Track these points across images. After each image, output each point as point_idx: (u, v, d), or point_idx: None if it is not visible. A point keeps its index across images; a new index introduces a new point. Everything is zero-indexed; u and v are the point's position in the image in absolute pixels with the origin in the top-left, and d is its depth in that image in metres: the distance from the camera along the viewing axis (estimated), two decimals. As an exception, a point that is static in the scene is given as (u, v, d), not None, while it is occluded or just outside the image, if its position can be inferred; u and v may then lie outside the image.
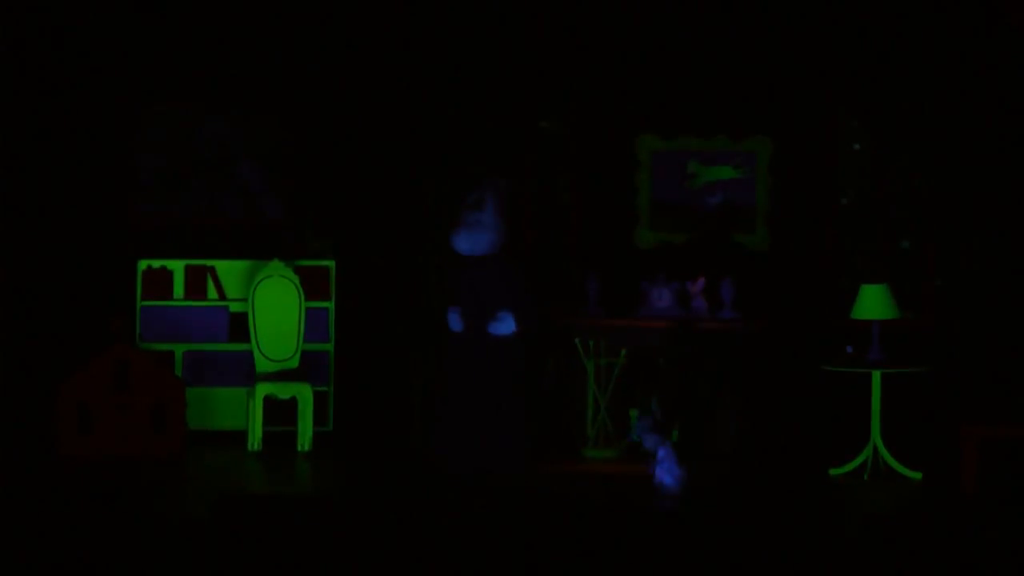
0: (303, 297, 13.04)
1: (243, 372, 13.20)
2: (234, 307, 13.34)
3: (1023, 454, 11.59)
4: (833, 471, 11.75)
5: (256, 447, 12.62)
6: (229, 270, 13.41)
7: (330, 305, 13.38)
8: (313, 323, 13.28)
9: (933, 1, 12.98)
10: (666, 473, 11.20)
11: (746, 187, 13.27)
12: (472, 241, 11.76)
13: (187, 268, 13.34)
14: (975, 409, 12.28)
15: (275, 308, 13.06)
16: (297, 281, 13.05)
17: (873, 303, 11.89)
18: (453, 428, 11.58)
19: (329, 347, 13.36)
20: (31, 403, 12.81)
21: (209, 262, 13.40)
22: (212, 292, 13.36)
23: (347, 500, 10.33)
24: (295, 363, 12.99)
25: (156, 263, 13.27)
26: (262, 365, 12.94)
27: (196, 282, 13.39)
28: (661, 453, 11.28)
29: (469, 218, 11.78)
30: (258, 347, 12.96)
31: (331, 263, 13.44)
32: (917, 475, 11.68)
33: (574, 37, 13.36)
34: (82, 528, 8.84)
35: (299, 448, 12.62)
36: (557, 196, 13.52)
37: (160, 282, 13.28)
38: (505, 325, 11.56)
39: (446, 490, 10.96)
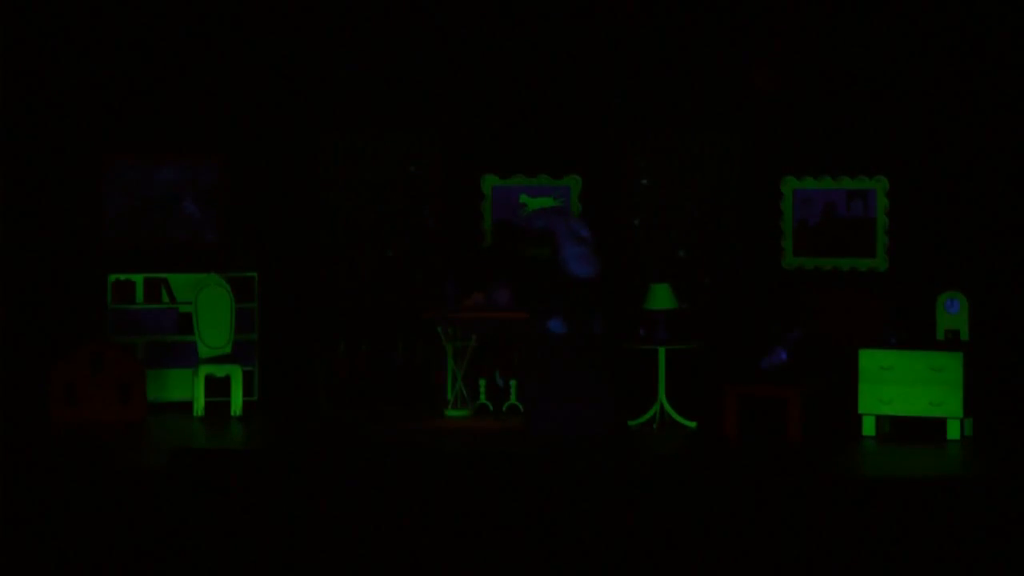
0: (234, 300, 13.65)
1: (189, 357, 13.88)
2: (182, 308, 13.95)
3: (771, 407, 12.29)
4: (631, 422, 12.70)
5: (200, 413, 13.33)
6: (178, 281, 14.04)
7: (255, 306, 14.06)
8: (242, 320, 13.85)
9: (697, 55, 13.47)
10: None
11: (562, 213, 13.59)
12: (586, 267, 12.16)
13: (145, 280, 14.01)
14: (735, 373, 12.91)
15: (213, 309, 13.55)
16: (229, 288, 13.62)
17: (660, 297, 12.78)
18: (549, 403, 11.90)
19: (254, 337, 14.05)
20: (28, 383, 13.33)
21: (162, 275, 14.06)
22: (165, 298, 14.01)
23: (273, 453, 10.18)
24: (228, 349, 13.62)
25: (122, 277, 13.91)
26: (203, 352, 13.56)
27: (153, 291, 14.01)
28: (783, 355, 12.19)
29: (577, 249, 12.10)
30: (200, 338, 13.60)
31: (255, 274, 14.04)
32: (693, 424, 12.62)
33: (438, 102, 13.99)
34: (70, 478, 9.26)
35: (232, 413, 13.36)
36: (423, 221, 14.14)
37: (125, 291, 13.93)
38: (596, 325, 11.99)
39: (351, 443, 11.38)
